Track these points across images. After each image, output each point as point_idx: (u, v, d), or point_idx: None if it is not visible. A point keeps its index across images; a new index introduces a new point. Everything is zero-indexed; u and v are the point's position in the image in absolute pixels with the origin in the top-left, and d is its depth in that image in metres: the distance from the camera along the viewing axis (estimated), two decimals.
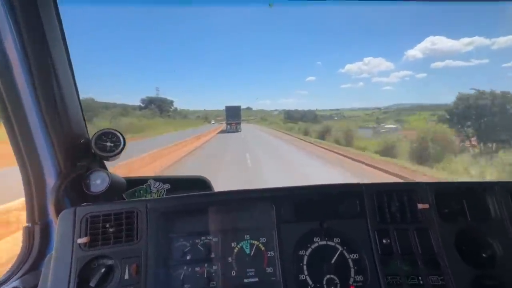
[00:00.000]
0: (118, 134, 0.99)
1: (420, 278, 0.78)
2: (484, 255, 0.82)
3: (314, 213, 0.88)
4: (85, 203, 0.86)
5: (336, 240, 0.84)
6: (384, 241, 0.83)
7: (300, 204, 0.89)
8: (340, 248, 0.83)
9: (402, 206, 0.87)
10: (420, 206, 0.86)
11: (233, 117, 33.80)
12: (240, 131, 32.33)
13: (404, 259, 0.81)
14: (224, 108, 37.00)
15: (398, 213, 0.87)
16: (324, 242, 0.84)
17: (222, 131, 33.43)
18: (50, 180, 0.90)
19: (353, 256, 0.82)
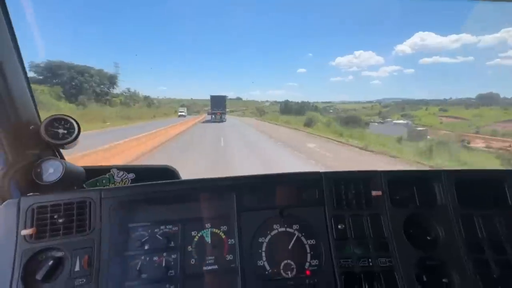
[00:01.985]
0: (72, 120, 0.93)
1: (370, 260, 0.82)
2: (428, 238, 0.89)
3: (275, 201, 0.90)
4: (31, 193, 0.80)
5: (295, 227, 0.86)
6: (339, 226, 0.87)
7: (261, 192, 0.90)
8: (298, 234, 0.85)
9: (358, 193, 0.91)
10: (374, 193, 0.91)
11: (218, 106, 33.68)
12: (225, 121, 32.56)
13: (357, 243, 0.85)
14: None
15: (354, 200, 0.90)
16: (283, 229, 0.86)
17: (206, 121, 32.96)
18: None
19: (310, 241, 0.85)
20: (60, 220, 0.75)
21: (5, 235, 0.72)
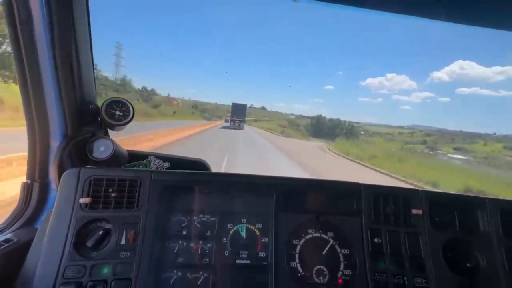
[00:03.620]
0: (128, 104, 0.99)
1: (405, 278, 0.81)
2: (468, 264, 0.86)
3: (312, 205, 0.90)
4: (89, 166, 0.85)
5: (330, 234, 0.87)
6: (375, 240, 0.86)
7: (299, 196, 0.91)
8: (333, 242, 0.86)
9: (397, 209, 0.90)
10: (414, 211, 0.90)
11: (238, 114, 35.07)
12: (243, 129, 34.02)
13: (393, 259, 0.84)
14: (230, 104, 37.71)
15: (392, 215, 0.90)
16: (318, 234, 0.86)
17: (224, 127, 34.15)
18: (55, 140, 0.89)
19: (344, 251, 0.85)
20: (113, 194, 0.79)
21: (64, 201, 0.77)
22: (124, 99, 1.00)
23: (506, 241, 0.89)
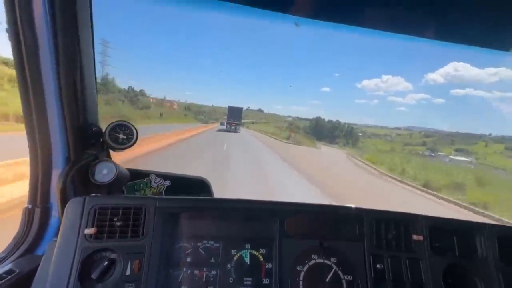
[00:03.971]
0: (132, 127, 1.00)
1: None
2: None
3: (315, 231, 0.91)
4: (94, 194, 0.85)
5: (333, 259, 0.87)
6: (378, 266, 0.87)
7: (303, 221, 0.92)
8: (336, 268, 0.86)
9: (398, 235, 0.91)
10: (415, 237, 0.91)
11: (234, 117, 35.26)
12: (239, 132, 33.75)
13: (395, 285, 0.85)
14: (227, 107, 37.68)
15: (393, 241, 0.91)
16: (321, 260, 0.87)
17: (220, 130, 33.84)
18: (58, 165, 0.89)
19: (347, 277, 0.85)
20: (118, 223, 0.79)
21: (69, 231, 0.76)
22: (127, 122, 1.00)
23: (503, 266, 0.90)
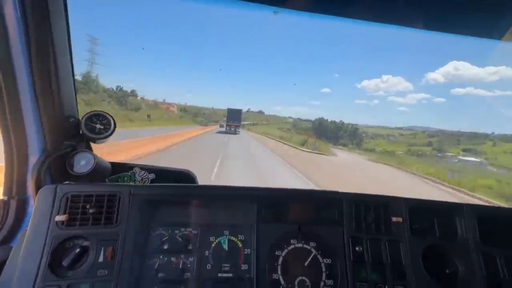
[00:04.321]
0: (109, 117, 0.99)
1: (386, 286, 0.82)
2: (447, 271, 0.87)
3: (294, 216, 0.90)
4: (67, 182, 0.85)
5: (312, 244, 0.86)
6: (357, 248, 0.86)
7: (281, 206, 0.91)
8: (315, 252, 0.85)
9: (378, 217, 0.91)
10: (394, 219, 0.91)
11: (234, 119, 35.26)
12: (239, 133, 33.59)
13: (374, 267, 0.84)
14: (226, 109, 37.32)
15: (373, 223, 0.90)
16: (300, 245, 0.86)
17: (219, 132, 33.41)
18: (33, 156, 0.88)
19: (326, 260, 0.85)
20: (91, 211, 0.78)
21: (40, 218, 0.75)
22: (104, 112, 1.00)
23: (483, 246, 0.90)
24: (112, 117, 1.00)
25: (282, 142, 29.48)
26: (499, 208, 1.03)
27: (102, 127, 0.98)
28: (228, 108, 37.29)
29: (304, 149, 23.82)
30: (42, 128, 0.87)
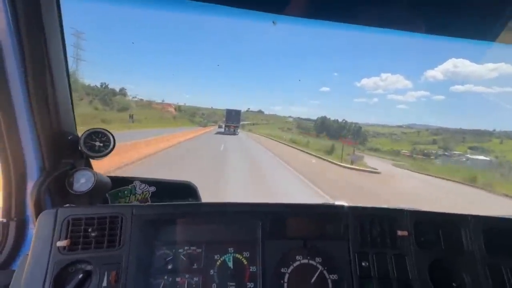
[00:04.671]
0: (108, 134, 0.98)
1: None
2: (454, 284, 0.86)
3: (299, 231, 0.89)
4: (67, 205, 0.83)
5: (318, 259, 0.85)
6: (363, 264, 0.85)
7: (285, 221, 0.90)
8: (321, 268, 0.84)
9: (383, 231, 0.90)
10: (399, 233, 0.89)
11: (233, 120, 35.53)
12: (237, 134, 33.36)
13: (381, 283, 0.83)
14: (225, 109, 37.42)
15: (378, 237, 0.89)
16: (306, 261, 0.85)
17: (218, 133, 33.24)
18: (32, 175, 0.87)
19: (333, 276, 0.84)
20: (93, 234, 0.77)
21: (41, 244, 0.74)
22: (104, 129, 0.99)
23: (489, 258, 0.89)
24: (111, 134, 0.98)
25: (299, 149, 21.30)
26: (504, 219, 1.01)
27: (101, 144, 0.96)
28: (227, 109, 37.65)
29: (339, 163, 15.13)
30: (40, 146, 0.86)
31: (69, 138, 0.95)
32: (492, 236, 0.91)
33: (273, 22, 1.15)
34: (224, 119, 37.66)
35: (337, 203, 0.96)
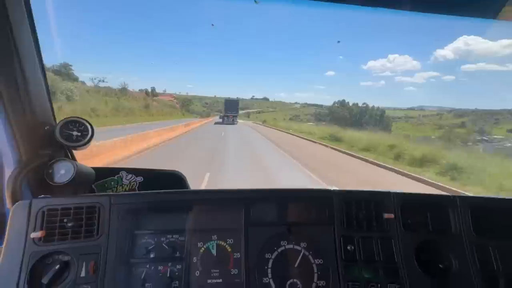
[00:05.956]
0: (86, 123, 0.95)
1: (379, 285, 0.80)
2: (440, 266, 0.85)
3: (283, 216, 0.88)
4: (42, 195, 0.83)
5: (302, 244, 0.84)
6: (348, 247, 0.84)
7: (269, 207, 0.88)
8: (306, 253, 0.83)
9: (369, 214, 0.88)
10: (386, 215, 0.88)
11: (231, 110, 35.62)
12: (236, 124, 33.24)
13: (366, 266, 0.82)
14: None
15: (364, 221, 0.87)
16: (290, 246, 0.84)
17: (217, 123, 32.75)
18: (8, 168, 0.84)
19: (318, 261, 0.83)
20: (69, 224, 0.75)
21: (15, 236, 0.73)
22: (81, 118, 0.96)
23: (477, 239, 0.88)
24: (89, 122, 0.96)
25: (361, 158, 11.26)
26: (491, 199, 0.99)
27: (79, 133, 0.94)
28: (225, 100, 37.98)
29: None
30: (14, 138, 0.83)
31: (46, 128, 0.93)
32: (479, 217, 0.90)
33: (254, 1, 1.08)
34: (223, 109, 37.71)
35: (323, 187, 0.90)
